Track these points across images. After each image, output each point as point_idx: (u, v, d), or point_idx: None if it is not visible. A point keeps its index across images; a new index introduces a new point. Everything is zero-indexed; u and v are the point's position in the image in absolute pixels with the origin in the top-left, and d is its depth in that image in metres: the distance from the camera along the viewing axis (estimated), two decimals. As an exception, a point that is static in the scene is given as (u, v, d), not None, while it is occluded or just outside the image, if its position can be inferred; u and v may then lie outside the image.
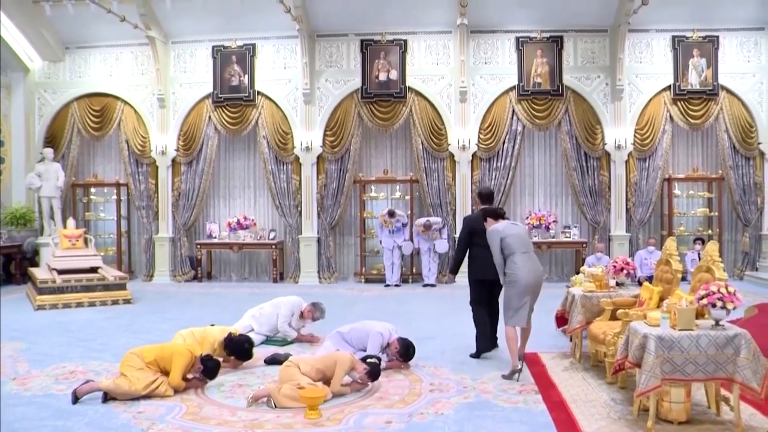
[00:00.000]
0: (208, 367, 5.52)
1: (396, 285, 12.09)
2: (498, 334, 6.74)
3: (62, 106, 13.32)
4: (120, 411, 4.94)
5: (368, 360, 5.53)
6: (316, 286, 12.34)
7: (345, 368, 5.31)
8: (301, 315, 7.30)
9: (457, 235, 11.97)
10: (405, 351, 6.14)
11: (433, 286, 12.01)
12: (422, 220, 12.03)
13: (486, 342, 6.65)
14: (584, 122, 12.25)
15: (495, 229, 6.02)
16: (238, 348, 6.04)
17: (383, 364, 6.09)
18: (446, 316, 8.94)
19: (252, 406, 5.00)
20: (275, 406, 4.97)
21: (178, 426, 4.63)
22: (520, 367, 5.82)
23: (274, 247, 12.82)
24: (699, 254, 6.76)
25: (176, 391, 5.33)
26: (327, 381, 5.29)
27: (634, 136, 12.27)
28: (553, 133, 12.75)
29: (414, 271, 12.70)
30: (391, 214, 12.08)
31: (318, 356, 5.51)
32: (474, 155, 12.41)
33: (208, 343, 6.11)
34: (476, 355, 6.58)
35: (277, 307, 7.34)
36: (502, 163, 12.36)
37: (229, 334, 6.16)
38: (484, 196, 6.98)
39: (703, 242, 11.58)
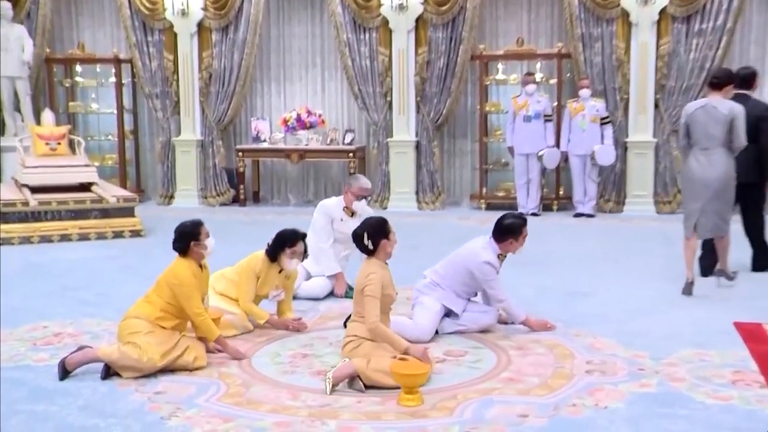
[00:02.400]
0: (285, 236, 6.21)
1: (533, 213, 11.96)
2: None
3: (20, -68, 13.21)
4: (129, 390, 5.00)
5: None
6: (413, 213, 12.34)
7: (377, 286, 5.29)
8: (349, 212, 7.36)
9: (629, 139, 11.91)
10: (501, 226, 6.19)
11: (590, 216, 11.89)
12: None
13: (760, 256, 8.09)
14: None
15: (686, 108, 7.32)
16: (282, 236, 6.27)
17: (520, 318, 6.17)
18: (611, 262, 8.79)
19: (334, 390, 4.96)
20: (365, 387, 4.94)
21: (214, 413, 4.66)
22: (690, 279, 7.17)
23: (351, 155, 12.86)
24: None
25: (210, 346, 5.47)
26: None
27: None
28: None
29: (561, 193, 12.53)
30: (530, 77, 11.89)
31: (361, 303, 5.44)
32: (662, 12, 11.87)
33: (245, 275, 6.27)
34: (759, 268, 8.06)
35: (313, 226, 7.48)
36: (710, 25, 11.77)
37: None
38: (742, 79, 7.74)
39: None
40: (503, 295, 6.16)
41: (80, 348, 5.40)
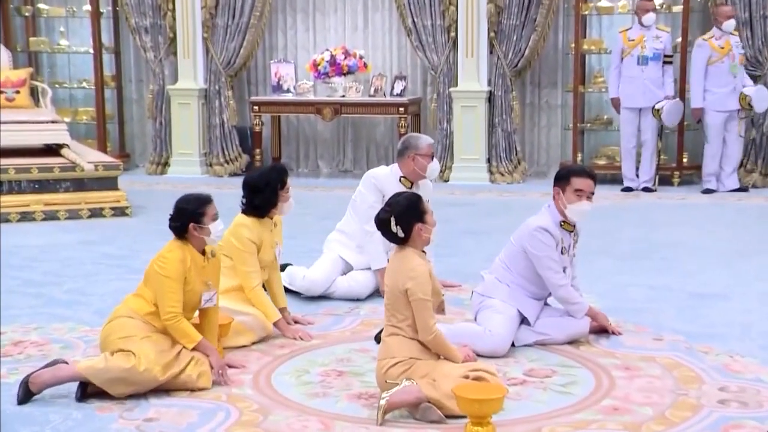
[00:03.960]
0: (275, 178, 6.33)
1: (646, 189, 12.07)
2: None
3: None
4: (111, 416, 5.01)
5: None
6: (483, 187, 12.41)
7: (426, 284, 5.18)
8: (408, 183, 7.22)
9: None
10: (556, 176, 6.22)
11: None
12: None
13: None
14: None
15: None
16: (268, 180, 6.38)
17: (583, 311, 6.12)
18: (755, 256, 8.68)
19: (383, 420, 4.95)
20: (444, 417, 4.91)
21: (222, 447, 4.72)
22: None
23: (402, 110, 12.88)
24: None
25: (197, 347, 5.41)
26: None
27: None
28: None
29: (684, 161, 12.49)
30: (647, 3, 11.83)
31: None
32: None
33: (241, 252, 6.25)
34: None
35: (353, 205, 7.52)
36: None
37: None
38: None
39: None
40: (561, 279, 6.08)
41: (51, 363, 5.37)
